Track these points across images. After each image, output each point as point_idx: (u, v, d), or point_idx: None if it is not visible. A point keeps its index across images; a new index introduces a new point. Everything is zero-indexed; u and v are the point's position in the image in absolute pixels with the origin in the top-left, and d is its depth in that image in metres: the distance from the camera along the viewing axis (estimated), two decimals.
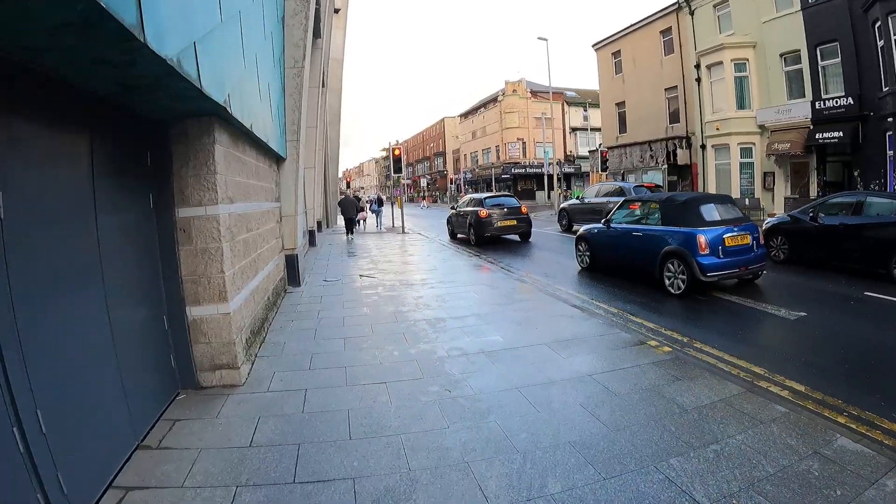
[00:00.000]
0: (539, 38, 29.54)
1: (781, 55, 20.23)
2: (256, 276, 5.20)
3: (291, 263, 8.03)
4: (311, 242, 14.03)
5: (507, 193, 14.86)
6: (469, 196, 15.65)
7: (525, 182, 50.26)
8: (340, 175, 61.99)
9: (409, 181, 68.17)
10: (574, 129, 51.35)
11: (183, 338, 4.04)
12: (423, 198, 58.88)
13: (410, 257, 11.64)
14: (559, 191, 31.86)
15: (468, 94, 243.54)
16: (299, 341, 5.22)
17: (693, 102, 24.49)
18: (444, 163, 69.20)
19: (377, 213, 23.97)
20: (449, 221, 16.42)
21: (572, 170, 49.96)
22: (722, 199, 8.34)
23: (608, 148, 29.49)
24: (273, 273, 6.68)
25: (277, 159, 7.65)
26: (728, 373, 4.23)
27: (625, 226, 8.65)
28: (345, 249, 13.75)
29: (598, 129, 50.62)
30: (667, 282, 7.50)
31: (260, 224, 5.68)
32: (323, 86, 19.70)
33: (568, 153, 51.29)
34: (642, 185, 15.29)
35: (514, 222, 13.83)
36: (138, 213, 3.69)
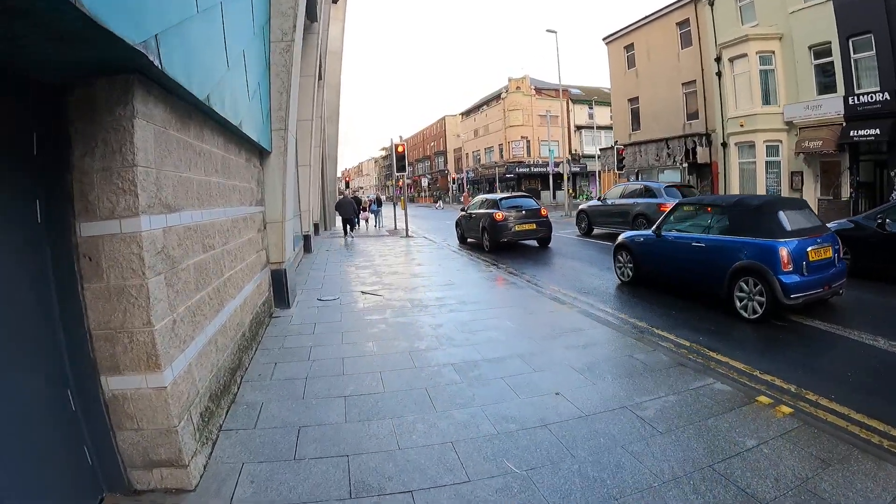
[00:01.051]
0: (548, 31, 28.15)
1: (810, 48, 18.89)
2: (221, 313, 3.74)
3: (279, 281, 6.56)
4: (307, 248, 12.58)
5: (524, 194, 13.42)
6: (482, 197, 14.20)
7: (529, 182, 48.81)
8: (339, 175, 60.49)
9: (409, 181, 66.60)
10: (579, 128, 49.96)
11: (101, 422, 2.60)
12: (437, 198, 56.57)
13: (419, 267, 10.18)
14: (568, 191, 30.40)
15: (469, 93, 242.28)
16: (282, 402, 3.75)
17: (713, 98, 23.08)
18: (445, 162, 67.76)
19: (376, 214, 23.30)
20: (458, 224, 14.98)
21: (577, 169, 48.54)
22: (798, 204, 6.91)
23: (609, 147, 28.09)
24: (252, 297, 5.21)
25: (260, 152, 6.18)
26: (884, 449, 2.96)
27: (681, 234, 7.21)
28: (344, 256, 12.29)
29: (605, 127, 49.35)
30: (738, 304, 6.07)
31: (228, 238, 4.21)
32: (320, 78, 18.25)
33: (573, 152, 49.88)
34: (673, 186, 13.84)
35: (534, 226, 12.39)
36: (18, 231, 2.25)
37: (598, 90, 51.49)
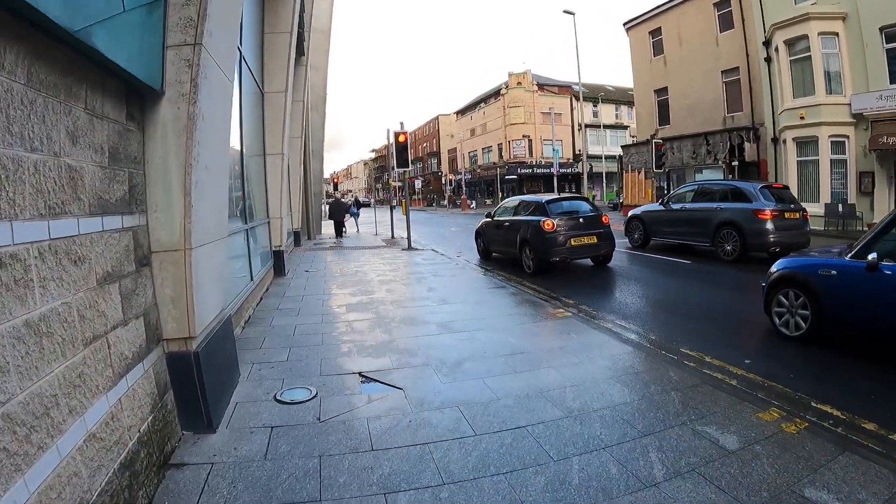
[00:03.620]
0: (565, 12, 24.89)
1: (882, 29, 16.02)
2: None
3: (183, 377, 3.00)
4: (278, 269, 9.01)
5: (576, 195, 10.09)
6: (514, 199, 10.73)
7: (531, 183, 45.57)
8: (327, 175, 56.54)
9: (401, 182, 62.94)
10: (583, 126, 46.83)
11: None
12: (454, 199, 51.45)
13: (446, 307, 6.63)
14: (590, 193, 27.17)
15: (464, 91, 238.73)
16: None
17: (760, 87, 20.00)
18: (439, 163, 64.41)
19: (355, 216, 22.06)
20: (479, 234, 11.49)
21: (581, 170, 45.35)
22: None
23: (642, 142, 24.89)
24: (108, 436, 1.66)
25: (139, 96, 2.65)
26: None
27: None
28: (329, 281, 8.70)
29: (611, 126, 46.37)
30: None
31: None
32: (302, 54, 14.77)
33: (577, 152, 46.75)
34: (770, 186, 10.58)
35: (594, 240, 8.97)
36: None
37: (603, 87, 48.60)
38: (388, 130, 18.59)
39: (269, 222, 8.63)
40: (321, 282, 8.55)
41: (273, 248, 8.83)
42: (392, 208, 17.94)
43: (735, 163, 19.15)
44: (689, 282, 8.40)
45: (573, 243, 8.79)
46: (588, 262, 9.81)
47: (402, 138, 12.88)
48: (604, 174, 41.30)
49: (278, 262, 8.94)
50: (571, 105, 46.39)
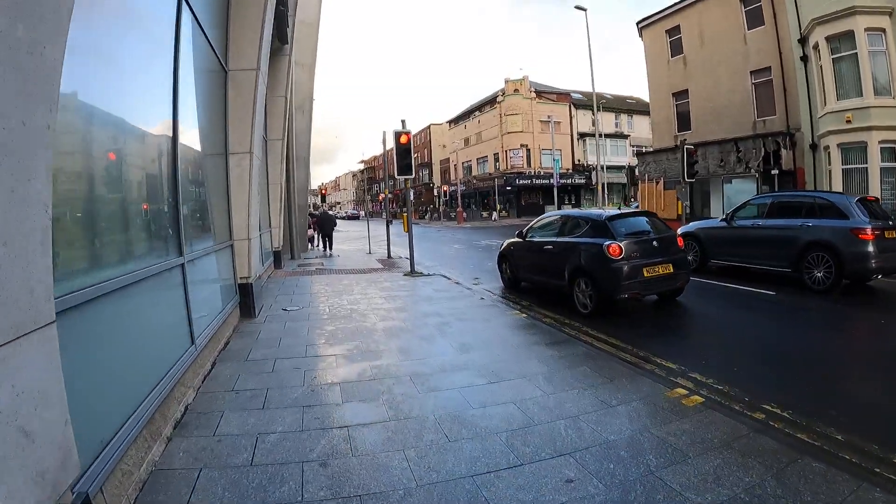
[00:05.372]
0: (577, 8, 22.93)
1: None
2: None
3: None
4: (246, 310, 6.58)
5: (640, 210, 7.85)
6: (554, 214, 8.42)
7: (529, 195, 43.52)
8: (315, 186, 53.78)
9: (391, 195, 60.42)
10: (582, 135, 45.13)
11: None
12: (448, 212, 48.09)
13: (501, 391, 4.23)
14: (610, 204, 25.15)
15: (456, 100, 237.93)
16: None
17: (795, 88, 18.14)
18: (431, 174, 62.31)
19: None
20: (505, 258, 9.12)
21: (583, 180, 43.54)
22: None
23: (661, 149, 22.91)
24: None
25: None
26: None
27: None
28: (313, 334, 6.29)
29: (611, 136, 44.62)
30: None
31: None
32: (286, 42, 12.54)
33: (576, 162, 44.95)
34: (864, 199, 8.52)
35: (670, 269, 6.71)
36: None
37: (601, 95, 46.94)
38: (384, 133, 16.33)
39: (232, 246, 6.22)
40: (303, 331, 6.10)
41: (238, 282, 6.40)
42: (388, 223, 15.49)
43: (775, 171, 17.15)
44: (828, 330, 6.16)
45: (646, 274, 6.51)
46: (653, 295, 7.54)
47: (404, 139, 10.56)
48: (605, 185, 39.37)
49: (245, 299, 6.51)
50: (570, 113, 44.65)
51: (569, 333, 5.85)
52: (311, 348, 5.31)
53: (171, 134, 3.98)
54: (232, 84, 6.25)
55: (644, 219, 7.24)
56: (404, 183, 11.50)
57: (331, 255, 16.81)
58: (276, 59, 12.23)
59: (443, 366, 4.69)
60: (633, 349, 5.25)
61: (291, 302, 7.89)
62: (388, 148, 16.72)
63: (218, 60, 6.07)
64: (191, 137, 5.12)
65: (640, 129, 48.08)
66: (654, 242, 6.76)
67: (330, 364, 4.80)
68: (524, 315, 6.68)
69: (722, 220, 10.18)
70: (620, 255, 6.39)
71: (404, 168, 10.59)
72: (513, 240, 9.00)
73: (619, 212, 7.26)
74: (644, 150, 27.27)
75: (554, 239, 7.54)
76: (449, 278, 10.26)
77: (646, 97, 26.51)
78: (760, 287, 8.34)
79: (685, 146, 15.12)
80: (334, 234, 18.72)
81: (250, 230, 6.30)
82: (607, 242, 6.43)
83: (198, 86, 5.34)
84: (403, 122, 10.75)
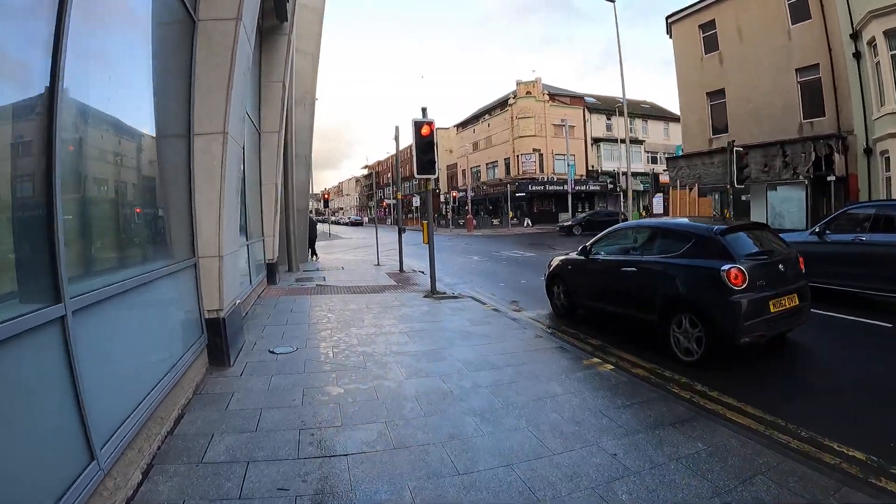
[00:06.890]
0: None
1: None
2: None
3: None
4: (217, 356, 4.73)
5: (756, 222, 5.80)
6: (631, 224, 6.58)
7: (542, 202, 41.68)
8: (318, 191, 51.98)
9: (395, 201, 58.59)
10: (596, 140, 43.39)
11: None
12: (456, 218, 44.14)
13: None
14: (640, 213, 23.41)
15: (463, 105, 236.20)
16: None
17: (847, 88, 16.34)
18: (437, 180, 60.55)
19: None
20: (558, 278, 7.20)
21: (598, 187, 41.74)
22: None
23: (694, 153, 21.11)
24: None
25: None
26: None
27: None
28: (308, 403, 4.43)
29: (633, 141, 42.75)
30: None
31: None
32: (285, 19, 10.82)
33: (590, 168, 43.19)
34: None
35: (796, 300, 4.86)
36: None
37: (615, 99, 45.14)
38: (396, 129, 14.53)
39: (196, 265, 4.39)
40: (295, 395, 4.19)
41: (206, 317, 4.56)
42: (401, 231, 13.63)
43: (831, 178, 15.31)
44: None
45: (772, 309, 4.66)
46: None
47: (425, 130, 8.77)
48: (621, 191, 37.52)
49: (216, 339, 4.66)
50: (584, 117, 42.94)
51: (685, 398, 3.99)
52: (308, 435, 3.40)
53: (45, 92, 2.17)
54: (202, 38, 4.44)
55: (759, 232, 5.39)
56: (424, 185, 9.68)
57: (317, 262, 16.31)
58: (273, 37, 10.47)
59: (532, 479, 2.80)
60: (787, 424, 3.44)
61: (283, 337, 6.01)
62: (400, 146, 14.96)
63: (182, 4, 4.28)
64: (126, 108, 3.33)
65: (655, 135, 46.29)
66: (780, 266, 4.91)
67: (342, 480, 2.85)
68: (608, 366, 4.78)
69: (812, 233, 8.33)
70: (743, 283, 4.53)
71: (426, 165, 8.81)
72: (567, 256, 7.12)
73: (732, 224, 5.39)
74: (664, 155, 25.44)
75: (637, 258, 5.65)
76: (482, 302, 8.40)
77: (660, 102, 24.86)
78: (868, 317, 6.48)
79: (734, 148, 13.32)
80: (336, 240, 16.94)
81: (223, 244, 4.45)
82: (726, 266, 4.56)
83: (141, 34, 3.55)
84: (424, 110, 8.98)
